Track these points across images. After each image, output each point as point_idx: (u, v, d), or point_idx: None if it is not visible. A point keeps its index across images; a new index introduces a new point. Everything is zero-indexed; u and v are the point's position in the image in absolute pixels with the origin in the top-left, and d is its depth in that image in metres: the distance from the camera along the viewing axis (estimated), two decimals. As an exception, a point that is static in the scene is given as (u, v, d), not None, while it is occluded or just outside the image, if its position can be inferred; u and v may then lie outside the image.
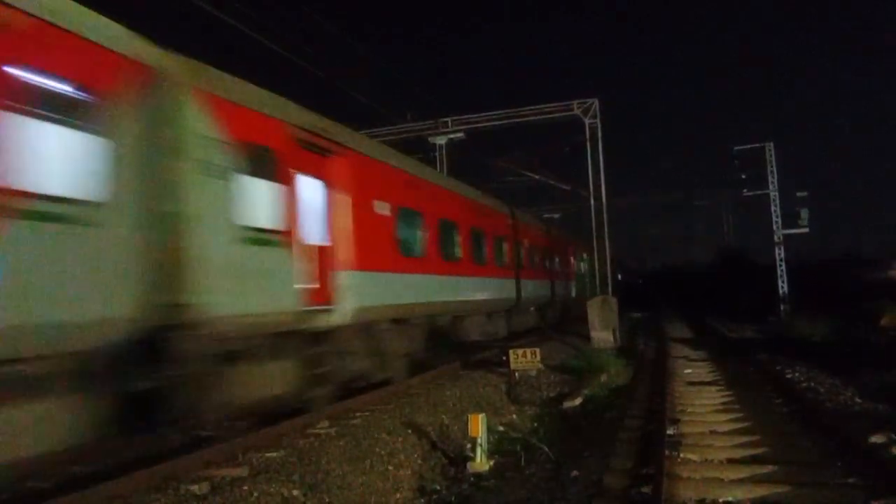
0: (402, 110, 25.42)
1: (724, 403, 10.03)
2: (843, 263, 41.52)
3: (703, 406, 9.88)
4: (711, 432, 8.08)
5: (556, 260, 26.42)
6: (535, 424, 10.01)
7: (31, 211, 5.02)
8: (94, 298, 5.58)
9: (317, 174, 9.10)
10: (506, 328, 19.25)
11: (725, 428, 8.28)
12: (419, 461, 7.64)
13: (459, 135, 26.33)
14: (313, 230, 8.88)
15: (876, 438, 7.10)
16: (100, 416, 5.79)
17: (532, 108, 25.50)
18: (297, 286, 8.18)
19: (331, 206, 9.40)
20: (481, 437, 7.50)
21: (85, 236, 5.50)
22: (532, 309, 22.48)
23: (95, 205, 5.60)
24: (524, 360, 11.68)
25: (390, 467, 7.17)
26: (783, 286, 32.80)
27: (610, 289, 25.53)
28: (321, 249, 9.07)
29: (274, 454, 6.88)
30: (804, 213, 31.70)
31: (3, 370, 4.90)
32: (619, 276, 44.25)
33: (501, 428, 9.34)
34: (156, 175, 6.32)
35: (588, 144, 24.74)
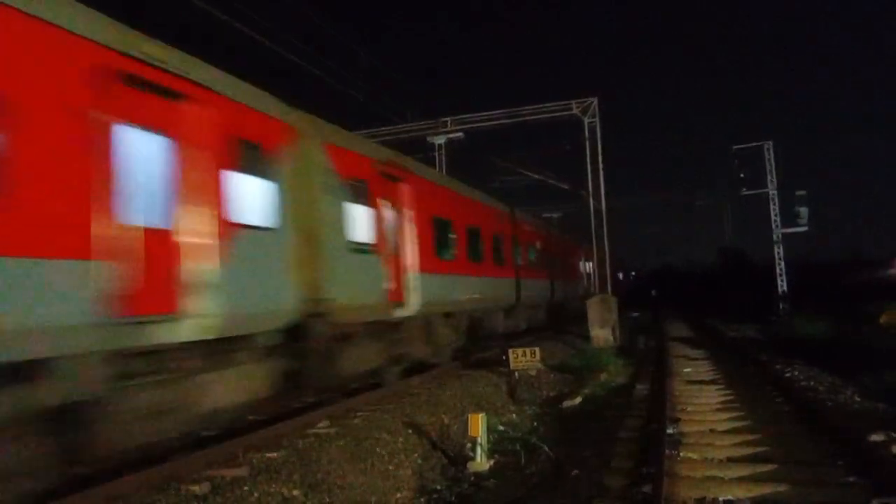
0: (402, 110, 25.43)
1: (723, 402, 10.04)
2: (843, 262, 41.57)
3: (702, 405, 9.89)
4: (711, 431, 8.09)
5: (555, 259, 26.39)
6: (535, 424, 10.02)
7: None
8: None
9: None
10: (522, 323, 21.00)
11: (725, 427, 8.29)
12: (419, 461, 7.64)
13: (459, 135, 26.31)
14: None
15: (875, 437, 7.11)
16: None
17: (531, 107, 25.49)
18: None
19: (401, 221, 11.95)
20: (481, 437, 7.51)
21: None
22: (530, 308, 22.53)
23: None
24: (524, 359, 11.69)
25: (391, 467, 7.18)
26: (782, 285, 32.82)
27: (609, 288, 25.54)
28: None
29: (274, 454, 6.88)
30: (803, 212, 31.67)
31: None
32: (619, 276, 44.27)
33: (501, 427, 9.33)
34: None
35: (587, 144, 24.74)
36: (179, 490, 5.72)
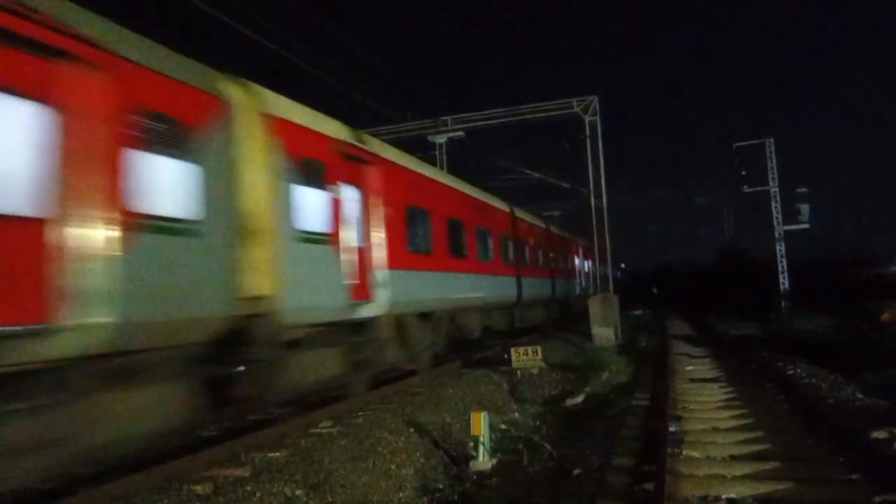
0: (402, 109, 25.43)
1: (726, 400, 10.04)
2: (844, 260, 41.55)
3: (705, 403, 9.88)
4: (714, 429, 8.08)
5: (554, 257, 25.89)
6: (538, 422, 10.01)
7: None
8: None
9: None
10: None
11: (728, 424, 8.28)
12: (421, 460, 7.64)
13: (459, 133, 26.30)
14: None
15: (877, 434, 7.11)
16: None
17: (532, 106, 25.50)
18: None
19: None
20: (483, 436, 7.50)
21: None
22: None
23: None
24: (526, 358, 11.69)
25: (393, 466, 7.18)
26: (784, 283, 32.80)
27: (611, 286, 25.52)
28: None
29: (276, 454, 6.89)
30: (804, 209, 31.66)
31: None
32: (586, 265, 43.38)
33: (503, 426, 9.33)
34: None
35: (588, 142, 24.73)
36: (182, 490, 5.73)
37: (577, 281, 31.01)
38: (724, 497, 5.54)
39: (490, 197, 18.73)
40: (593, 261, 33.10)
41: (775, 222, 32.87)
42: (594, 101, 24.79)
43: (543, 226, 25.56)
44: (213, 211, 6.79)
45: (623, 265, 70.69)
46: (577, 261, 31.22)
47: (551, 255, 25.12)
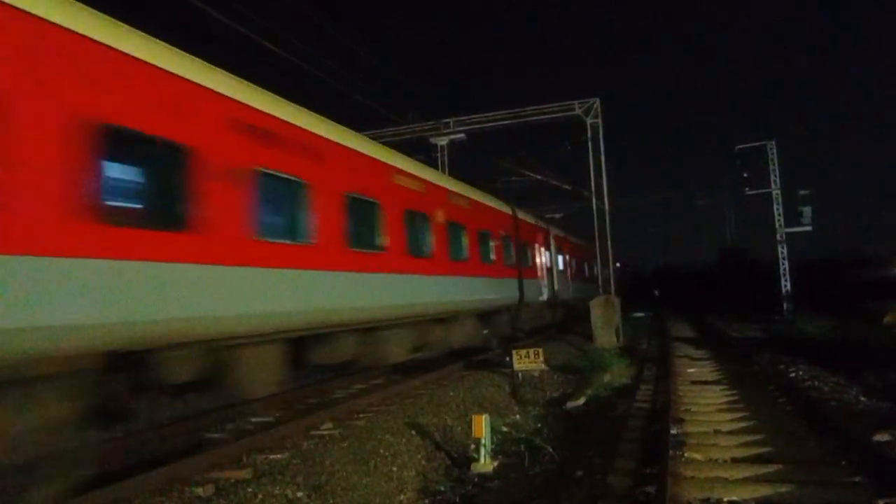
0: (404, 111, 25.42)
1: (727, 402, 10.02)
2: (845, 261, 41.58)
3: (706, 405, 9.86)
4: (715, 431, 8.07)
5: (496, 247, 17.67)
6: (539, 425, 9.99)
7: None
8: None
9: None
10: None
11: (729, 427, 8.27)
12: (423, 462, 7.64)
13: (461, 135, 26.28)
14: None
15: (880, 436, 7.10)
16: None
17: (533, 108, 25.46)
18: None
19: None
20: (485, 438, 7.50)
21: None
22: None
23: None
24: (527, 360, 11.68)
25: (394, 468, 7.18)
26: (786, 285, 32.77)
27: (612, 288, 25.49)
28: None
29: (278, 456, 6.89)
30: (806, 212, 31.61)
31: None
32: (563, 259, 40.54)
33: (505, 428, 9.32)
34: None
35: (590, 144, 24.70)
36: (183, 492, 5.73)
37: (541, 281, 23.05)
38: (725, 500, 5.52)
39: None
40: (576, 257, 32.31)
41: (777, 224, 32.84)
42: (595, 103, 24.77)
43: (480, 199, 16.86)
44: None
45: (618, 264, 70.58)
46: (539, 254, 23.04)
47: (492, 243, 16.93)
